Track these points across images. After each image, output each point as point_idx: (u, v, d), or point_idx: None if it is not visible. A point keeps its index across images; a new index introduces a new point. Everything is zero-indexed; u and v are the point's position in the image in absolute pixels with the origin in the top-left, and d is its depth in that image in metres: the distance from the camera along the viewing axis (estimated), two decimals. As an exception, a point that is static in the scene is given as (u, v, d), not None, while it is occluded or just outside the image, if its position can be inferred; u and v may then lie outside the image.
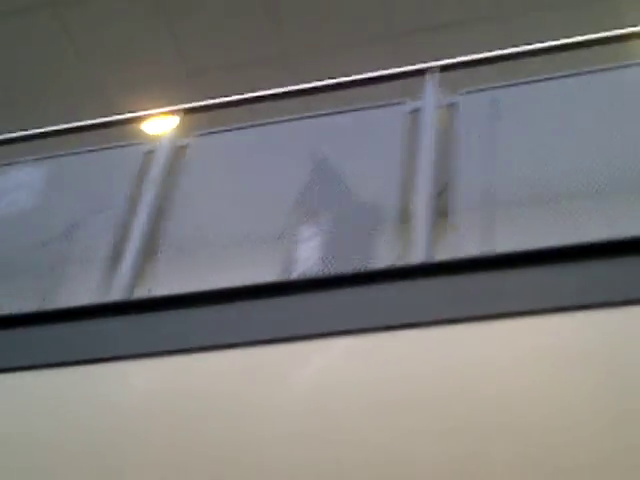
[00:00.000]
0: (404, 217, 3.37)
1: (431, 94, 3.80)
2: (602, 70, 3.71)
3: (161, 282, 3.53)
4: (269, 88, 4.33)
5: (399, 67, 4.22)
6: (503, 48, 4.16)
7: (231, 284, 3.30)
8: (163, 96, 5.85)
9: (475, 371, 2.85)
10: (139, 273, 3.60)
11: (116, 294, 3.48)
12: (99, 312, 3.35)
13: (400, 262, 3.29)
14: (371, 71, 4.23)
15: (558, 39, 4.05)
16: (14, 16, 6.80)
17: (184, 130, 4.21)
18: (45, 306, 3.59)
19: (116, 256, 3.65)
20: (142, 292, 3.51)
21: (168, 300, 3.33)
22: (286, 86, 4.30)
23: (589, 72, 3.71)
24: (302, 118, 3.94)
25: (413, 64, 4.10)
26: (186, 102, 4.49)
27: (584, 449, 2.61)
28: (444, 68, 3.97)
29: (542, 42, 4.07)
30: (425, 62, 4.01)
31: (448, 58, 4.05)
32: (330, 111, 3.91)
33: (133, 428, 3.03)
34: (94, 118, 4.62)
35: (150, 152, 4.09)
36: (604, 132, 3.51)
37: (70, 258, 3.78)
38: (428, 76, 3.90)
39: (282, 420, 2.91)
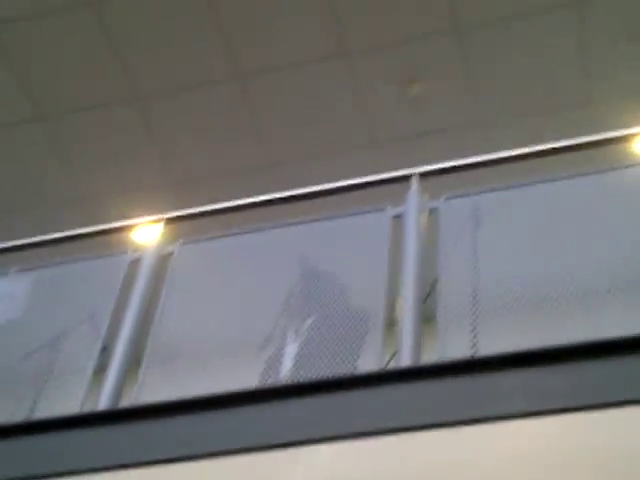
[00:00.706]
0: (390, 322, 3.39)
1: (413, 200, 3.86)
2: (581, 175, 3.78)
3: (147, 391, 3.50)
4: (254, 196, 4.39)
5: (381, 174, 4.31)
6: (484, 154, 4.26)
7: (216, 391, 3.29)
8: (148, 205, 5.90)
9: (462, 475, 2.83)
10: (125, 382, 3.58)
11: (102, 404, 3.46)
12: (85, 422, 3.33)
13: (387, 367, 3.30)
14: (354, 178, 4.30)
15: (538, 145, 4.15)
16: (2, 127, 6.89)
17: (169, 238, 4.24)
18: (31, 417, 3.56)
19: (102, 366, 3.64)
20: (128, 401, 3.49)
21: (152, 409, 3.31)
22: (271, 194, 4.37)
23: (569, 177, 3.79)
24: (286, 225, 3.98)
25: (395, 171, 4.18)
26: (171, 211, 4.53)
27: None
28: (424, 175, 4.04)
29: (522, 148, 4.16)
30: (407, 169, 4.09)
31: (429, 164, 4.13)
32: (314, 218, 3.96)
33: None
34: (77, 228, 4.66)
35: (135, 261, 4.11)
36: (585, 236, 3.57)
37: (56, 368, 3.75)
38: (410, 182, 3.97)
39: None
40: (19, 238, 4.61)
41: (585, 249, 3.51)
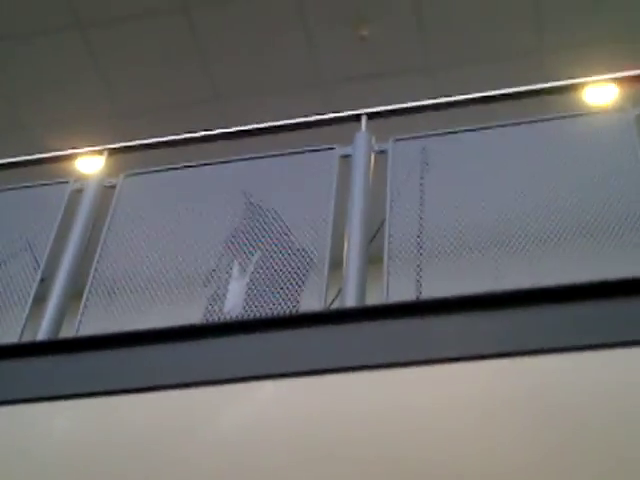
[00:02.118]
0: (336, 261, 3.39)
1: (362, 140, 3.84)
2: (527, 122, 3.80)
3: (87, 322, 3.47)
4: (200, 131, 4.34)
5: (328, 114, 4.28)
6: (432, 98, 4.25)
7: (158, 325, 3.27)
8: (90, 136, 5.80)
9: (402, 416, 2.87)
10: (65, 314, 3.54)
11: (41, 334, 3.42)
12: (24, 351, 3.29)
13: (330, 306, 3.31)
14: (299, 116, 4.27)
15: (484, 91, 4.15)
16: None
17: (113, 170, 4.18)
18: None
19: (42, 296, 3.60)
20: (68, 333, 3.46)
21: (93, 341, 3.29)
22: (218, 129, 4.32)
23: (516, 124, 3.81)
24: (234, 161, 3.94)
25: (343, 111, 4.15)
26: (114, 142, 4.46)
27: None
28: (373, 115, 4.02)
29: (469, 94, 4.17)
30: (355, 109, 4.07)
31: (378, 106, 4.11)
32: (262, 155, 3.93)
33: (50, 473, 2.97)
34: (18, 156, 4.56)
35: (77, 191, 4.05)
36: (529, 182, 3.60)
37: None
38: (359, 123, 3.95)
39: (205, 463, 2.89)
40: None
41: (529, 196, 3.53)
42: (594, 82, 4.13)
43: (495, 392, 2.85)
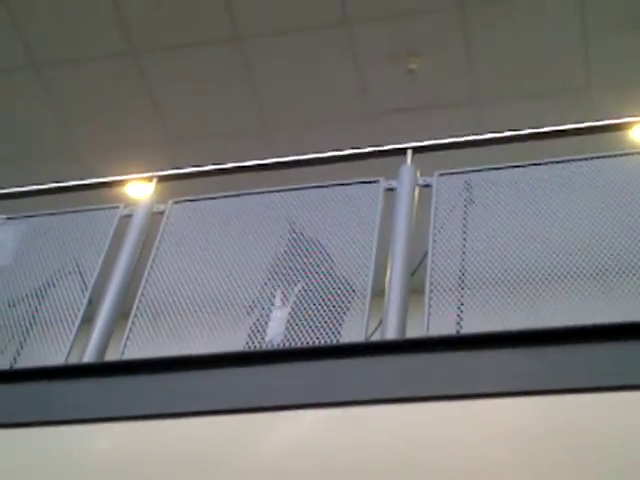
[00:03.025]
0: (377, 293, 3.42)
1: (407, 174, 3.88)
2: (574, 160, 3.81)
3: (132, 346, 3.53)
4: (248, 160, 4.40)
5: (375, 146, 4.33)
6: (477, 133, 4.28)
7: (200, 351, 3.32)
8: (140, 162, 5.89)
9: (438, 449, 2.88)
10: (111, 336, 3.60)
11: (87, 356, 3.48)
12: (69, 374, 3.35)
13: (371, 338, 3.33)
14: (347, 149, 4.32)
15: (531, 127, 4.17)
16: (-5, 75, 6.86)
17: (161, 196, 4.25)
18: (14, 365, 3.58)
19: (89, 319, 3.66)
20: (113, 354, 3.52)
21: (137, 364, 3.34)
22: (265, 159, 4.38)
23: (561, 161, 3.82)
24: (280, 190, 4.00)
25: (390, 144, 4.19)
26: (163, 169, 4.54)
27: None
28: (419, 149, 4.06)
29: (515, 129, 4.19)
30: (401, 143, 4.11)
31: (424, 140, 4.15)
32: (308, 185, 3.97)
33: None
34: (69, 180, 4.66)
35: (127, 216, 4.12)
36: (574, 220, 3.60)
37: (41, 319, 3.77)
38: (404, 156, 3.99)
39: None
40: (9, 187, 4.62)
41: (573, 233, 3.54)
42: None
43: (532, 429, 2.85)
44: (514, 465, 2.78)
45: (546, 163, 3.84)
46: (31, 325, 3.72)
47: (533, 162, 3.85)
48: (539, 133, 4.16)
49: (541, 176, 3.84)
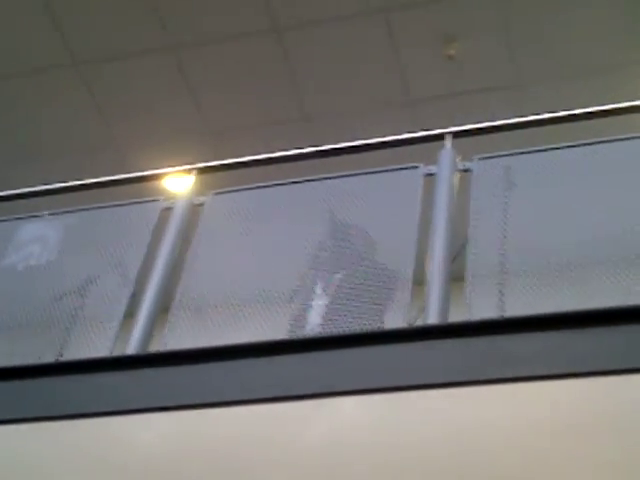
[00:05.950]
0: (419, 279, 3.41)
1: (446, 159, 3.86)
2: (615, 140, 3.76)
3: (174, 338, 3.55)
4: (287, 150, 4.40)
5: (414, 132, 4.31)
6: (518, 116, 4.24)
7: (244, 341, 3.33)
8: (181, 154, 5.91)
9: (483, 434, 2.86)
10: (153, 328, 3.63)
11: (130, 348, 3.51)
12: (114, 365, 3.38)
13: (414, 324, 3.32)
14: (386, 135, 4.30)
15: (572, 109, 4.12)
16: (37, 73, 6.93)
17: (201, 188, 4.27)
18: (60, 359, 3.62)
19: (132, 312, 3.68)
20: (156, 347, 3.54)
21: (180, 355, 3.36)
22: (304, 148, 4.38)
23: (601, 142, 3.76)
24: (320, 179, 3.99)
25: (428, 130, 4.17)
26: (204, 161, 4.56)
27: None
28: (458, 134, 4.03)
29: (556, 111, 4.14)
30: (440, 128, 4.08)
31: (462, 125, 4.12)
32: (347, 173, 3.97)
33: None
34: (111, 175, 4.69)
35: (167, 209, 4.14)
36: (615, 203, 3.55)
37: (85, 313, 3.80)
38: (443, 141, 3.97)
39: (286, 478, 2.92)
40: (52, 183, 4.66)
41: (615, 216, 3.49)
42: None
43: (577, 412, 2.82)
44: (559, 449, 2.75)
45: (590, 144, 3.78)
46: (74, 320, 3.75)
47: (574, 143, 3.80)
48: (581, 114, 4.10)
49: (583, 158, 3.79)
